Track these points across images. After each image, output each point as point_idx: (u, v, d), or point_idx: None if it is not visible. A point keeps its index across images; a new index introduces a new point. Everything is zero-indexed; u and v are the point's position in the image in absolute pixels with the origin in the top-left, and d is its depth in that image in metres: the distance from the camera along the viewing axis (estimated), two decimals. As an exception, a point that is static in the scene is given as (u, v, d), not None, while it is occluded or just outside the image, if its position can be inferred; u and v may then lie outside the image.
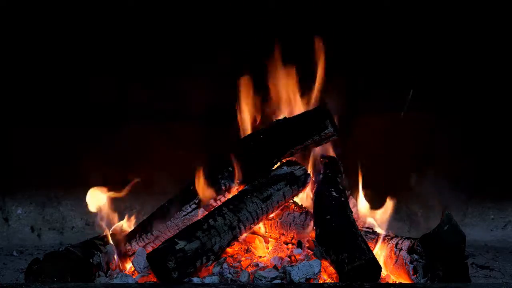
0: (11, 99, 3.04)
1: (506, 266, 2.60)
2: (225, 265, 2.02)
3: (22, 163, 3.08)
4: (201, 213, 2.23)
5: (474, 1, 2.93)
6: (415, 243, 1.96)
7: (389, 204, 2.34)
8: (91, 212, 2.25)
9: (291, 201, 2.35)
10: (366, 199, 2.43)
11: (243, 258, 2.14)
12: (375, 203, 2.42)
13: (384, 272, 2.05)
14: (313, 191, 2.34)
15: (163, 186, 2.81)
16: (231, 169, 2.29)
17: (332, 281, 1.98)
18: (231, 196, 2.25)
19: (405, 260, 1.97)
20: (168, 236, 2.16)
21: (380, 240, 2.16)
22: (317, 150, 2.47)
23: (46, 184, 3.11)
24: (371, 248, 1.98)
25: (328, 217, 2.07)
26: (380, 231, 2.27)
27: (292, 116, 2.43)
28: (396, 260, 2.02)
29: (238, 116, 2.53)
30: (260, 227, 2.34)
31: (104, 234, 2.22)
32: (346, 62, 3.00)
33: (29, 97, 3.04)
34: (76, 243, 2.15)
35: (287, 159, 2.37)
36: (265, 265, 2.09)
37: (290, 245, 2.27)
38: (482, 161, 3.09)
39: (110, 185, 2.32)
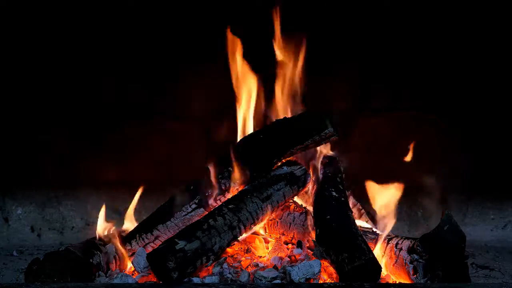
0: (11, 100, 3.04)
1: (506, 266, 2.60)
2: (225, 265, 2.02)
3: (22, 163, 3.08)
4: (201, 213, 2.23)
5: (475, 1, 2.93)
6: (415, 243, 1.96)
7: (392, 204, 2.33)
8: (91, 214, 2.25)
9: (291, 201, 2.35)
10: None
11: (243, 258, 2.13)
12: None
13: (384, 272, 2.05)
14: (313, 191, 2.34)
15: (163, 186, 2.81)
16: (231, 169, 2.29)
17: (332, 281, 1.98)
18: (231, 196, 2.25)
19: (405, 260, 1.97)
20: (168, 236, 2.16)
21: (380, 240, 2.16)
22: (317, 150, 2.47)
23: (46, 184, 3.11)
24: (371, 248, 1.98)
25: (328, 217, 2.07)
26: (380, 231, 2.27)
27: (292, 116, 2.43)
28: (396, 260, 2.02)
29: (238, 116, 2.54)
30: (261, 227, 2.34)
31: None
32: (346, 62, 3.00)
33: (29, 98, 3.04)
34: (76, 243, 2.15)
35: (287, 159, 2.37)
36: (265, 265, 2.09)
37: (290, 245, 2.27)
38: (482, 161, 3.09)
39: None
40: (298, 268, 1.92)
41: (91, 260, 2.04)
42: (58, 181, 3.10)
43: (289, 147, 2.31)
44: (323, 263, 2.00)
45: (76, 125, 3.07)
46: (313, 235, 2.18)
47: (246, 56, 2.53)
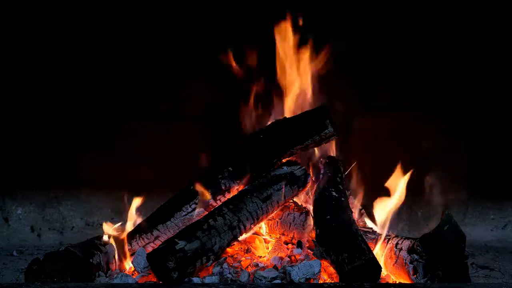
0: (11, 99, 3.04)
1: (506, 266, 2.60)
2: (225, 265, 2.02)
3: (22, 163, 3.08)
4: (201, 213, 2.23)
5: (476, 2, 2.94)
6: (415, 243, 1.96)
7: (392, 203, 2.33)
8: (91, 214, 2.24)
9: (291, 201, 2.35)
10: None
11: (243, 258, 2.14)
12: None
13: (384, 272, 2.05)
14: (313, 191, 2.34)
15: (163, 186, 2.81)
16: (231, 169, 2.29)
17: (332, 281, 1.98)
18: (231, 196, 2.25)
19: (405, 260, 1.97)
20: (168, 236, 2.16)
21: (380, 240, 2.16)
22: (317, 150, 2.47)
23: (46, 184, 3.11)
24: (371, 248, 1.98)
25: (328, 217, 2.07)
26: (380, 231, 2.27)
27: (292, 116, 2.43)
28: (396, 260, 2.03)
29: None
30: (261, 227, 2.34)
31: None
32: (346, 61, 3.00)
33: (29, 98, 3.05)
34: (76, 243, 2.15)
35: (287, 159, 2.37)
36: (265, 265, 2.09)
37: (290, 245, 2.27)
38: (482, 161, 3.09)
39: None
40: (298, 268, 1.92)
41: (91, 260, 2.04)
42: (58, 181, 3.10)
43: (289, 147, 2.31)
44: (323, 263, 2.00)
45: (76, 125, 3.07)
46: (313, 235, 2.18)
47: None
